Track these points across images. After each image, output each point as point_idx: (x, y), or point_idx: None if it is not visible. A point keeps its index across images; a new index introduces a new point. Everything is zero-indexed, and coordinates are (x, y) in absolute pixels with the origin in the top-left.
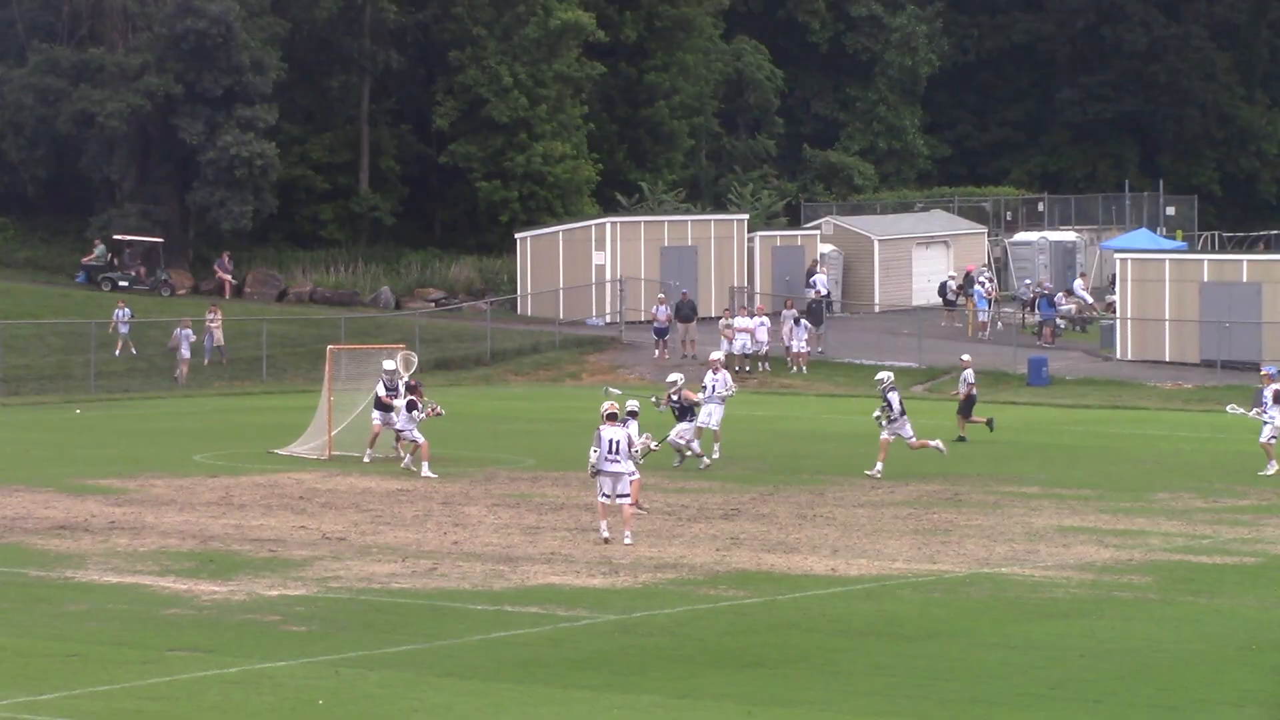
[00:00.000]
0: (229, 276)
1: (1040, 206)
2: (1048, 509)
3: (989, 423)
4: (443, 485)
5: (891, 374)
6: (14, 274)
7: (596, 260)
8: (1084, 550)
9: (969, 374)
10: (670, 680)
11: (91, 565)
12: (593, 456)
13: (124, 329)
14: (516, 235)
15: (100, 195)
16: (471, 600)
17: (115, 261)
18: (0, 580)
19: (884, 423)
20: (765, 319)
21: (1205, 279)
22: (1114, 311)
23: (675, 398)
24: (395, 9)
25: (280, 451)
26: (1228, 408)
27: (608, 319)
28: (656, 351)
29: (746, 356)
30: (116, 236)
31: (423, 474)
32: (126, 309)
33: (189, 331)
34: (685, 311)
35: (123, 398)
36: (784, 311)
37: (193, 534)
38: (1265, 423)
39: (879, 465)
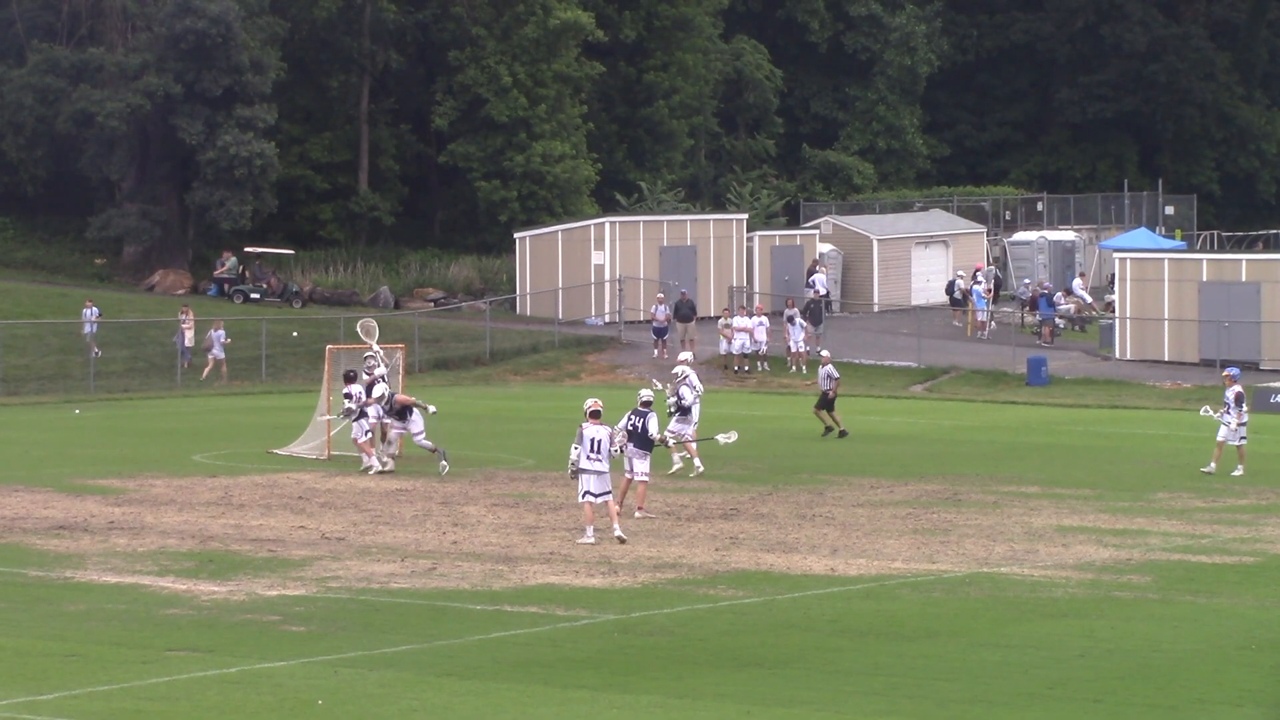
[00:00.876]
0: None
1: (1039, 206)
2: (1047, 509)
3: (841, 433)
4: (442, 485)
5: (688, 364)
6: (14, 274)
7: (595, 260)
8: (1083, 550)
9: (831, 369)
10: (669, 680)
11: (91, 565)
12: (574, 454)
13: (89, 329)
14: (515, 235)
15: (100, 195)
16: (471, 600)
17: (246, 274)
18: (0, 580)
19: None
20: (764, 319)
21: (1204, 278)
22: (1113, 311)
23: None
24: (394, 9)
25: (279, 451)
26: (1201, 410)
27: (607, 319)
28: (656, 351)
29: (745, 356)
30: (247, 249)
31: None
32: (95, 308)
33: (222, 333)
34: (684, 311)
35: (122, 398)
36: (786, 310)
37: (192, 534)
38: (1223, 424)
39: (679, 460)
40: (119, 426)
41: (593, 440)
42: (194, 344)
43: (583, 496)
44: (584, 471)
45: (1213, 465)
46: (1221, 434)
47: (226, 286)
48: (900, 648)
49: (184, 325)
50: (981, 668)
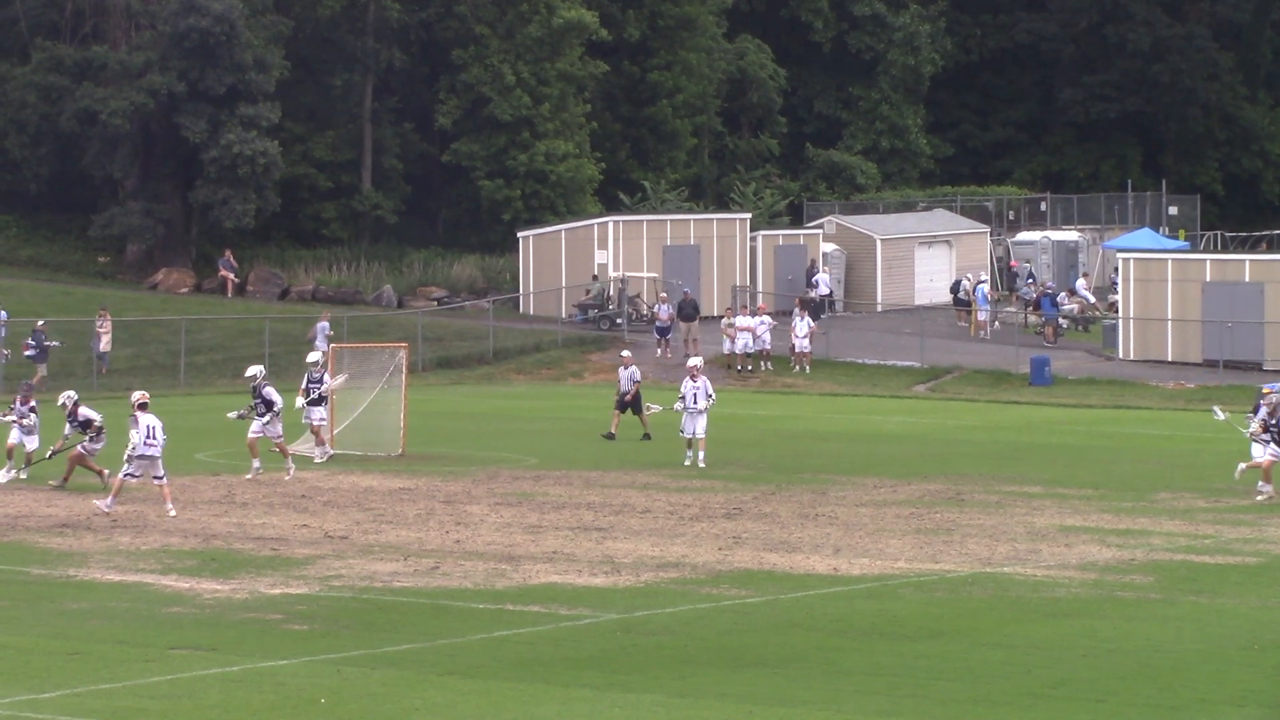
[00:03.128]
0: (232, 275)
1: (1043, 206)
2: (1050, 509)
3: (609, 435)
4: (445, 484)
5: (262, 368)
6: (17, 272)
7: (599, 259)
8: (1086, 550)
9: (635, 371)
10: (672, 679)
11: (94, 564)
12: (134, 439)
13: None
14: (519, 234)
15: (103, 193)
16: (474, 599)
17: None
18: (2, 578)
19: (254, 419)
20: (767, 318)
21: (1208, 279)
22: (1116, 311)
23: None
24: (398, 7)
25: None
26: (1214, 412)
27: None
28: (659, 350)
29: (749, 355)
30: (613, 274)
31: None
32: (2, 311)
33: (326, 324)
34: (688, 311)
35: (125, 395)
36: (795, 310)
37: (195, 532)
38: (1259, 440)
39: (256, 464)
40: (122, 425)
41: (149, 428)
42: (110, 348)
43: (130, 478)
44: (143, 458)
45: (1268, 488)
46: (1269, 451)
47: (588, 310)
48: (903, 647)
49: (100, 329)
50: (984, 667)
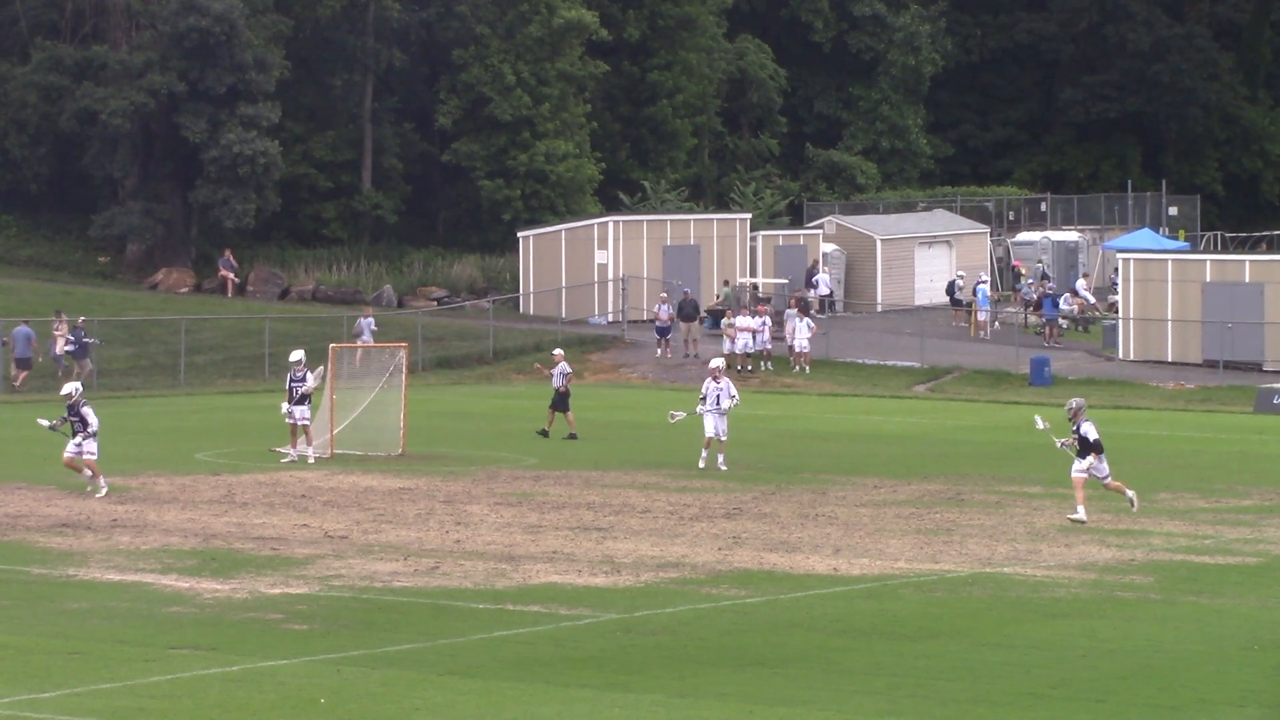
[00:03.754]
0: (232, 275)
1: (1043, 206)
2: (1050, 509)
3: (543, 432)
4: (445, 484)
5: (79, 385)
6: (17, 271)
7: (599, 259)
8: (1086, 550)
9: (565, 366)
10: (672, 679)
11: (94, 563)
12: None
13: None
14: (519, 234)
15: (103, 193)
16: (473, 599)
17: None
18: (2, 578)
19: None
20: (767, 318)
21: (1208, 279)
22: (1116, 311)
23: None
24: (398, 7)
25: (282, 450)
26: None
27: (610, 318)
28: (659, 350)
29: (749, 356)
30: (740, 280)
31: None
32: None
33: (370, 320)
34: (688, 311)
35: (125, 395)
36: (787, 310)
37: (195, 532)
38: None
39: (101, 482)
40: (122, 425)
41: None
42: (65, 350)
43: None
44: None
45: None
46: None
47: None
48: (902, 647)
49: (56, 331)
50: (984, 667)
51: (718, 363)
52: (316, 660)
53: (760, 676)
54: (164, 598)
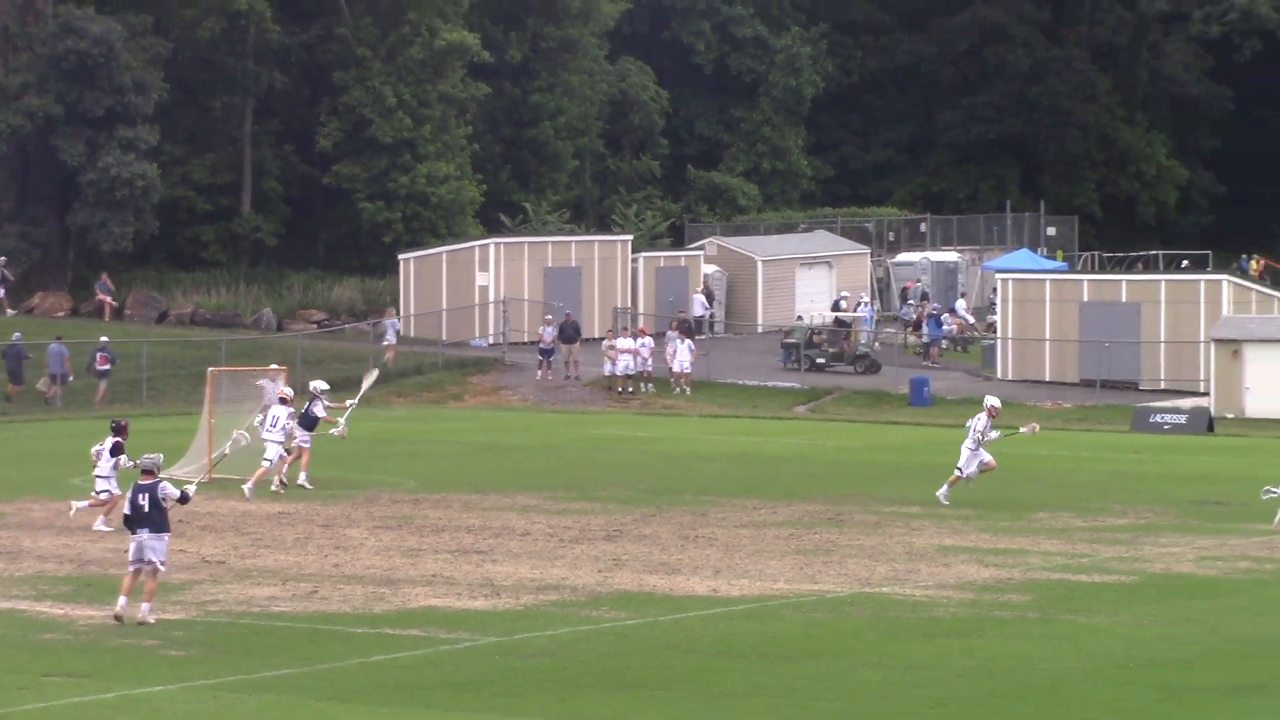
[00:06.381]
0: (109, 298)
1: (922, 227)
2: (929, 529)
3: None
4: (324, 508)
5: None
6: None
7: (480, 281)
8: (964, 569)
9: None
10: (552, 702)
11: None
12: None
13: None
14: (400, 256)
15: None
16: (352, 623)
17: (813, 338)
18: None
19: None
20: (648, 340)
21: (1085, 299)
22: (995, 331)
23: None
24: (279, 29)
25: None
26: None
27: (491, 340)
28: (539, 372)
29: (629, 377)
30: (818, 312)
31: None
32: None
33: (395, 321)
34: (569, 332)
35: (0, 420)
36: (669, 332)
37: (70, 558)
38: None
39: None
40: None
41: None
42: None
43: None
44: None
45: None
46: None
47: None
48: (782, 668)
49: None
50: (863, 687)
51: (993, 402)
52: (193, 686)
53: (640, 699)
54: (38, 624)
